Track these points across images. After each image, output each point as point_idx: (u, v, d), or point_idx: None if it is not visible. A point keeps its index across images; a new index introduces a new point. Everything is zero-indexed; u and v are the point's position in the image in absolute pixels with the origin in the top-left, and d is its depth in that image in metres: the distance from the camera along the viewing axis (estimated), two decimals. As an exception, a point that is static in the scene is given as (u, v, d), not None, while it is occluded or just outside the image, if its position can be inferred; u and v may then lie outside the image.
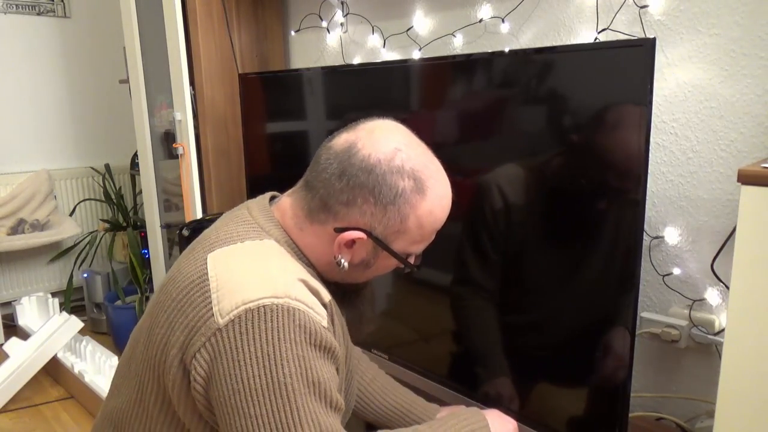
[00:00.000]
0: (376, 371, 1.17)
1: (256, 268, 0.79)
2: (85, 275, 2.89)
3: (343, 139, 0.84)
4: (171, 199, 2.45)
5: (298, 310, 0.75)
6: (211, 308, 0.76)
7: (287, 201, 0.89)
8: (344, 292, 0.90)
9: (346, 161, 0.81)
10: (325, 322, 0.79)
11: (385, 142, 0.82)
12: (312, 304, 0.78)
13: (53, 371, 2.36)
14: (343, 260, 0.83)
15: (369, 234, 0.82)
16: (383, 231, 0.82)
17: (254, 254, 0.81)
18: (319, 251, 0.86)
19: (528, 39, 1.53)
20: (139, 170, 2.55)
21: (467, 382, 1.39)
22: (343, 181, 0.81)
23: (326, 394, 0.76)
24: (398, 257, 0.84)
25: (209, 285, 0.77)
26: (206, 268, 0.79)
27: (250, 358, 0.73)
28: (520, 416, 1.28)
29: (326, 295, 0.82)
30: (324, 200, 0.83)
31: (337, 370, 0.82)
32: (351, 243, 0.83)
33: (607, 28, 1.36)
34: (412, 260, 0.90)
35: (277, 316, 0.74)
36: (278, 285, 0.76)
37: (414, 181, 0.81)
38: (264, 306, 0.74)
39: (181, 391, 0.79)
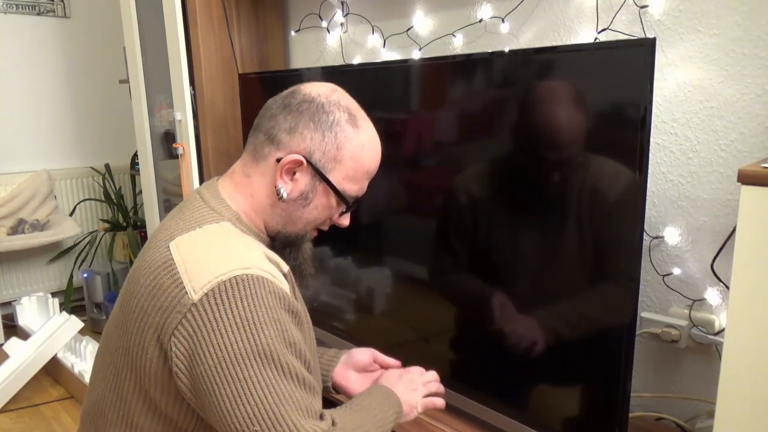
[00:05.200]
0: None
1: (219, 247, 0.83)
2: (85, 275, 2.89)
3: (286, 90, 0.93)
4: (171, 199, 2.45)
5: (266, 278, 0.80)
6: (183, 287, 0.79)
7: (237, 162, 0.95)
8: (285, 245, 0.94)
9: (289, 98, 0.90)
10: (288, 290, 0.84)
11: (323, 85, 0.92)
12: (275, 273, 0.83)
13: (53, 371, 2.36)
14: (283, 190, 0.88)
15: (308, 160, 0.87)
16: (321, 158, 0.88)
17: (215, 236, 0.85)
18: (264, 194, 0.90)
19: (528, 39, 1.53)
20: (139, 170, 2.55)
21: (467, 381, 1.39)
22: (286, 111, 0.88)
23: (302, 355, 0.82)
24: (334, 189, 0.90)
25: (177, 268, 0.81)
26: (170, 254, 0.83)
27: (230, 326, 0.76)
28: (520, 416, 1.28)
29: (284, 266, 0.88)
30: (268, 133, 0.89)
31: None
32: (292, 172, 0.88)
33: (607, 28, 1.36)
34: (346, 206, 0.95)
35: (250, 284, 0.78)
36: (244, 258, 0.81)
37: (348, 114, 0.89)
38: (236, 276, 0.78)
39: (158, 373, 0.82)
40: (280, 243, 0.93)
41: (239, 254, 0.82)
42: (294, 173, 0.88)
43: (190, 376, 0.79)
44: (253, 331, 0.76)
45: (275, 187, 0.89)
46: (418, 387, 1.03)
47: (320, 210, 0.92)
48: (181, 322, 0.78)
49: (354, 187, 0.92)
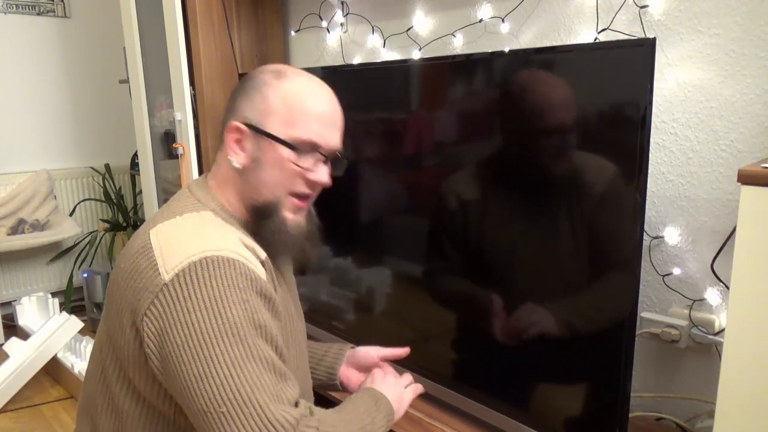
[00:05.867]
0: None
1: (195, 232, 0.84)
2: (85, 275, 2.89)
3: None
4: (171, 199, 2.45)
5: (237, 260, 0.80)
6: (157, 269, 0.80)
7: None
8: (262, 217, 0.91)
9: (239, 83, 0.94)
10: (263, 275, 0.84)
11: (271, 65, 0.94)
12: (249, 257, 0.83)
13: (53, 371, 2.36)
14: (235, 161, 0.90)
15: (245, 125, 0.89)
16: (255, 116, 0.89)
17: (192, 222, 0.87)
18: (228, 173, 0.92)
19: (528, 39, 1.53)
20: (139, 170, 2.55)
21: (467, 382, 1.39)
22: (233, 94, 0.93)
23: (272, 339, 0.80)
24: (273, 137, 0.88)
25: (153, 252, 0.82)
26: (149, 239, 0.84)
27: (199, 305, 0.76)
28: (520, 416, 1.28)
29: (262, 253, 0.88)
30: (222, 121, 0.93)
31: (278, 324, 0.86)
32: (239, 142, 0.90)
33: (607, 28, 1.36)
34: (301, 157, 0.90)
35: (220, 264, 0.79)
36: (217, 240, 0.82)
37: (275, 73, 0.91)
38: (207, 257, 0.79)
39: (135, 355, 0.82)
40: (257, 216, 0.91)
41: (213, 237, 0.83)
42: (241, 143, 0.90)
43: (160, 357, 0.79)
44: (221, 310, 0.76)
45: (229, 163, 0.90)
46: (400, 383, 1.04)
47: (277, 168, 0.89)
48: (152, 302, 0.78)
49: (300, 132, 0.88)
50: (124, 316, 0.82)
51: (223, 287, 0.77)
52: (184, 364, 0.76)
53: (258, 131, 0.88)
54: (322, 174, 0.91)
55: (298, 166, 0.88)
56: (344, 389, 1.11)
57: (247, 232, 0.90)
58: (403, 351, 1.11)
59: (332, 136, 0.91)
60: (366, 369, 1.10)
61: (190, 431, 0.86)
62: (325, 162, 0.91)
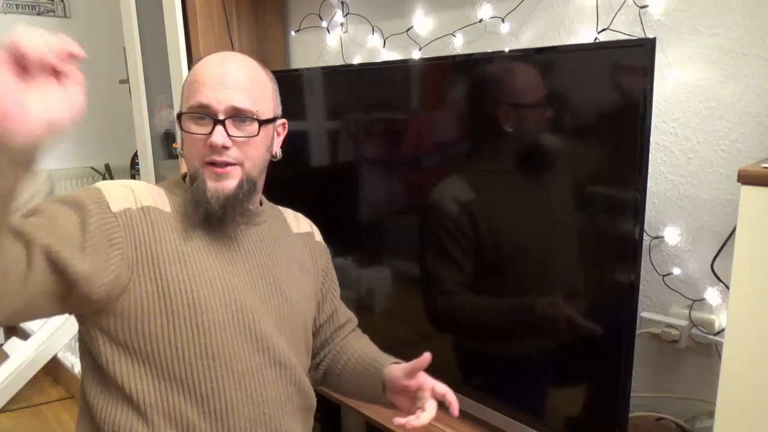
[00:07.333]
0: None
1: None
2: (85, 275, 2.88)
3: None
4: (171, 199, 2.45)
5: (98, 188, 0.91)
6: None
7: None
8: (192, 183, 0.96)
9: None
10: (114, 206, 0.89)
11: None
12: (116, 194, 0.91)
13: (53, 371, 2.36)
14: (178, 141, 1.01)
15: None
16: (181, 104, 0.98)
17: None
18: None
19: (528, 39, 1.53)
20: (139, 170, 2.55)
21: (467, 382, 1.39)
22: None
23: (84, 215, 0.86)
24: (178, 114, 0.96)
25: None
26: None
27: None
28: (520, 416, 1.28)
29: (147, 201, 0.93)
30: None
31: (108, 247, 0.88)
32: (178, 123, 0.97)
33: (607, 28, 1.36)
34: (196, 123, 0.94)
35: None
36: (108, 183, 0.93)
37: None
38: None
39: None
40: (190, 183, 0.98)
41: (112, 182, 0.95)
42: (179, 123, 0.97)
43: None
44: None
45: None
46: None
47: (186, 141, 0.95)
48: None
49: (191, 100, 0.93)
50: None
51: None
52: None
53: (179, 113, 0.96)
54: (215, 135, 0.91)
55: (192, 132, 0.93)
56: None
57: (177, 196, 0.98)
58: (423, 360, 0.99)
59: (218, 93, 0.92)
60: (405, 392, 1.04)
61: (119, 378, 0.89)
62: (219, 122, 0.91)
